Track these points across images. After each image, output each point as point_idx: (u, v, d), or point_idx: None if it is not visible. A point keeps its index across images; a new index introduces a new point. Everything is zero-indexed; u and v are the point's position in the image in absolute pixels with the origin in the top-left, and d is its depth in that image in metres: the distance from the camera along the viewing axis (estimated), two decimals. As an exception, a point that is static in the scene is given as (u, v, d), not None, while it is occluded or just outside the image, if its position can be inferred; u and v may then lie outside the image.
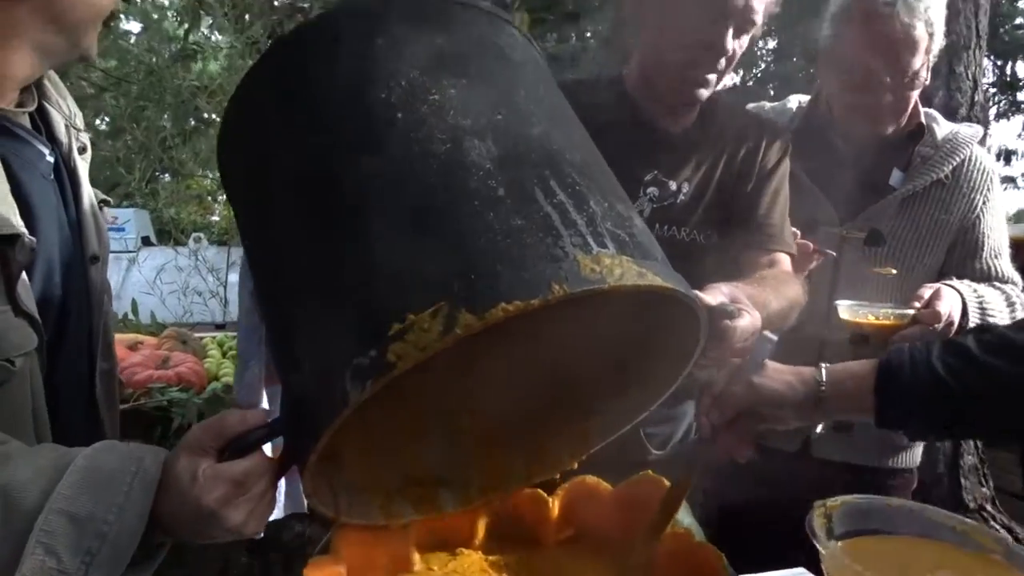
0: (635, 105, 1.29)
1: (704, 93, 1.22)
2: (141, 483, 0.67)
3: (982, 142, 1.55)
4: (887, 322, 1.32)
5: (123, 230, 6.43)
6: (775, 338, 1.01)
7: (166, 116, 6.89)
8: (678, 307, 0.72)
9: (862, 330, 1.35)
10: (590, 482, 0.92)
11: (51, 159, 0.98)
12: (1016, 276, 1.55)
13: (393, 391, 0.61)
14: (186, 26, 5.63)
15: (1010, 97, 6.38)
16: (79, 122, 1.07)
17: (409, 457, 0.84)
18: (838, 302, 1.37)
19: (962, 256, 1.51)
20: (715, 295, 0.92)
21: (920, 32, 1.35)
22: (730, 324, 0.89)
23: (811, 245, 1.39)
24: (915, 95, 1.44)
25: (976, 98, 3.18)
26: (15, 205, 0.86)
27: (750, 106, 1.63)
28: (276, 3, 5.10)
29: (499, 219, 0.61)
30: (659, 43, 1.21)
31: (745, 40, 1.19)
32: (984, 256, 1.51)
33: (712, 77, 1.20)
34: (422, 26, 0.72)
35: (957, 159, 1.48)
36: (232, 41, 5.40)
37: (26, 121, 0.96)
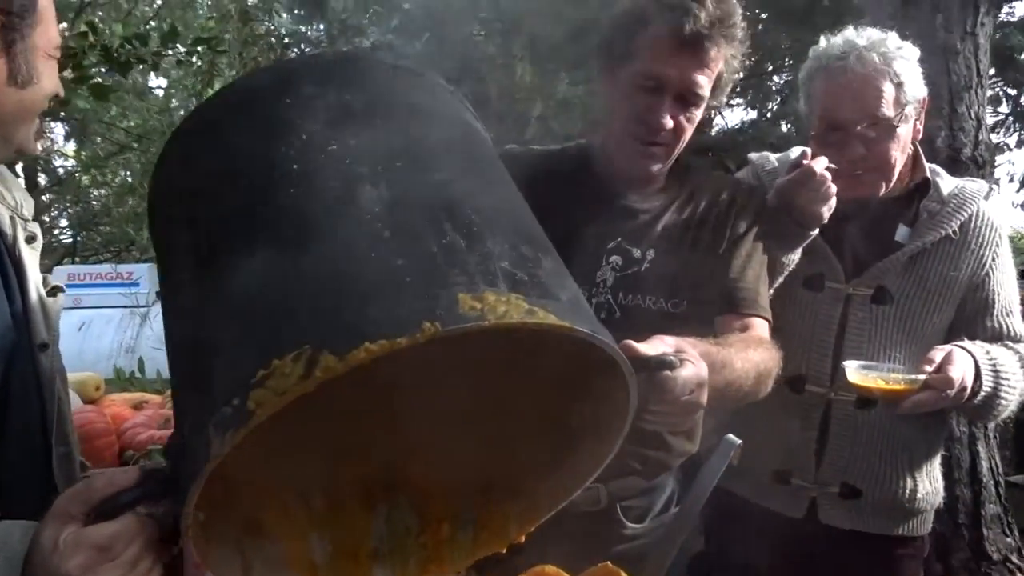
0: (598, 173, 1.29)
1: (655, 166, 1.22)
2: (6, 560, 0.64)
3: (988, 197, 1.50)
4: (897, 387, 1.25)
5: (137, 285, 6.50)
6: (738, 441, 0.95)
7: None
8: (610, 364, 0.70)
9: (871, 394, 1.29)
10: (550, 572, 0.87)
11: None
12: None
13: (322, 454, 0.61)
14: (198, 88, 5.75)
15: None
16: (27, 212, 1.08)
17: (341, 526, 0.80)
18: (846, 363, 1.31)
19: (972, 314, 1.44)
20: (656, 346, 0.88)
21: (880, 81, 1.34)
22: (670, 375, 0.85)
23: None
24: (896, 149, 1.39)
25: (980, 137, 3.13)
26: None
27: (754, 156, 1.59)
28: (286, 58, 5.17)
29: (379, 260, 0.61)
30: (612, 117, 1.24)
31: (696, 113, 1.20)
32: (995, 314, 1.44)
33: (658, 151, 1.20)
34: (331, 85, 0.75)
35: (965, 214, 1.42)
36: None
37: None
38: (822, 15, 5.37)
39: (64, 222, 11.79)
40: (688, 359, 0.90)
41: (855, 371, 1.28)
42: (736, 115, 7.48)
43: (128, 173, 10.59)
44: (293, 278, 0.61)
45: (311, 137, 0.70)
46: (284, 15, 5.29)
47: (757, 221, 1.28)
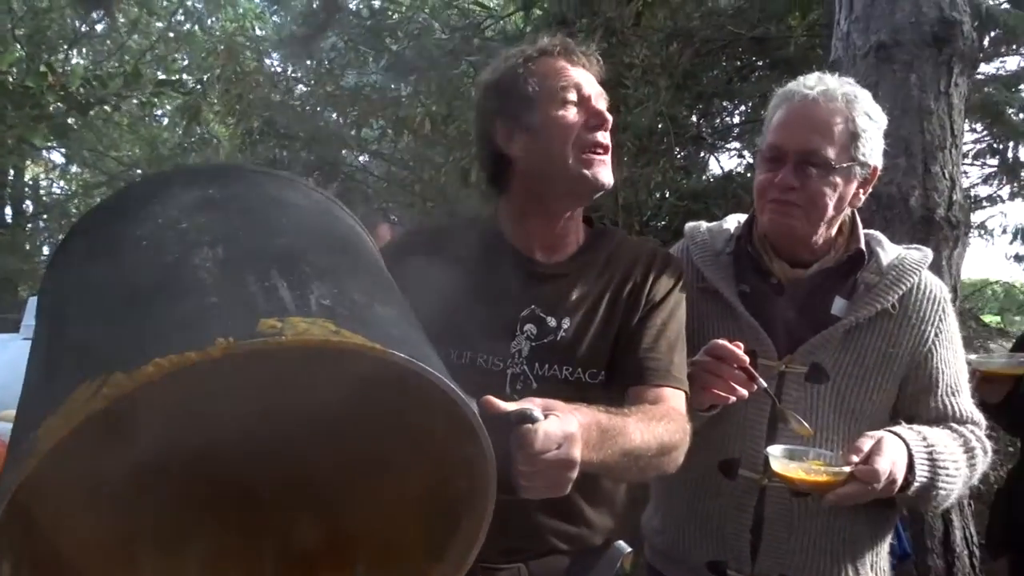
0: (508, 240, 1.28)
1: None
2: None
3: (935, 268, 1.46)
4: (819, 479, 1.20)
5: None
6: (627, 549, 0.92)
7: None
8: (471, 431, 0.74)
9: (794, 485, 1.23)
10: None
11: None
12: (978, 415, 1.42)
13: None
14: (184, 122, 5.79)
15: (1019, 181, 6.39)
16: None
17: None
18: (769, 449, 1.26)
19: (915, 393, 1.40)
20: (523, 405, 0.87)
21: (836, 120, 1.33)
22: (530, 428, 0.84)
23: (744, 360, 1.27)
24: (829, 196, 1.34)
25: (954, 197, 3.13)
26: None
27: (688, 226, 1.56)
28: (273, 99, 5.22)
29: (194, 301, 0.66)
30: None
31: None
32: (939, 394, 1.39)
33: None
34: (197, 185, 0.85)
35: (904, 287, 1.39)
36: (229, 135, 5.55)
37: None
38: (817, 64, 5.44)
39: (47, 250, 11.85)
40: (554, 414, 0.88)
41: (778, 459, 1.24)
42: (727, 162, 7.53)
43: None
44: (114, 327, 0.67)
45: (166, 220, 0.78)
46: (273, 55, 5.36)
47: (673, 289, 1.27)
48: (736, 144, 7.01)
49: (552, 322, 1.22)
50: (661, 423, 1.10)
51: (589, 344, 1.21)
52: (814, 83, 1.36)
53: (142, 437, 0.86)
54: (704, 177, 6.34)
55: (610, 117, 1.23)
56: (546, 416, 0.87)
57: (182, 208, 0.79)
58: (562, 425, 0.87)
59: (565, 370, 1.20)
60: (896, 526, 1.53)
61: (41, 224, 12.08)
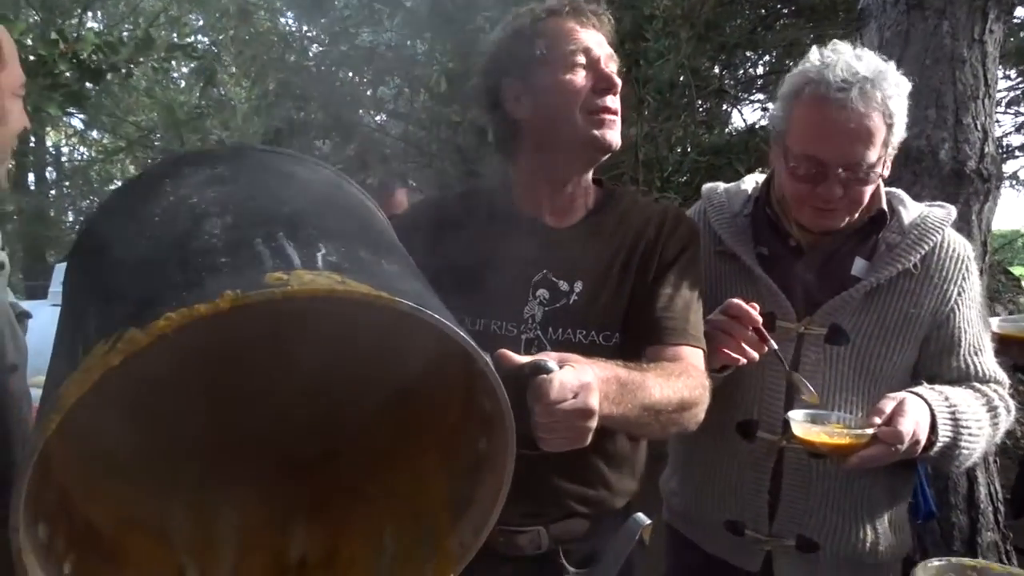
0: (518, 205, 1.29)
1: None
2: None
3: (964, 222, 1.43)
4: (843, 442, 1.21)
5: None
6: (647, 521, 0.93)
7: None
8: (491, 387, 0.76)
9: (816, 449, 1.24)
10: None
11: None
12: (1001, 374, 1.41)
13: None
14: (201, 84, 5.78)
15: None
16: None
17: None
18: (791, 414, 1.27)
19: (937, 352, 1.39)
20: (537, 357, 0.90)
21: (876, 123, 1.27)
22: (545, 377, 0.86)
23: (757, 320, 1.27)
24: (870, 189, 1.33)
25: (986, 150, 3.05)
26: None
27: (705, 187, 1.54)
28: (288, 60, 5.18)
29: (204, 262, 0.69)
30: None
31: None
32: (962, 353, 1.38)
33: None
34: (206, 164, 0.88)
35: (926, 246, 1.37)
36: (245, 96, 5.54)
37: None
38: (845, 11, 5.26)
39: (71, 216, 12.06)
40: (569, 364, 0.90)
41: (800, 423, 1.24)
42: (750, 115, 7.38)
43: (135, 168, 10.82)
44: (129, 291, 0.71)
45: (177, 197, 0.82)
46: (287, 14, 5.31)
47: (686, 248, 1.27)
48: (760, 96, 6.87)
49: (564, 286, 1.22)
50: (680, 379, 1.11)
51: (603, 306, 1.21)
52: (846, 79, 1.26)
53: (177, 406, 0.90)
54: (727, 131, 6.21)
55: (619, 81, 1.22)
56: (561, 367, 0.88)
57: (193, 186, 0.83)
58: (577, 375, 0.89)
59: (579, 333, 1.20)
60: (920, 484, 1.54)
61: (64, 190, 12.26)
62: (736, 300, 1.27)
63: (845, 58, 1.28)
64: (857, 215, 1.37)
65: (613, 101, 1.21)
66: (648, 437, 1.27)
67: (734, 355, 1.27)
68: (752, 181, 1.52)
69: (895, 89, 1.28)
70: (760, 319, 1.25)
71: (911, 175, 2.79)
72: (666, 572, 1.57)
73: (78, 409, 0.64)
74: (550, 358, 0.90)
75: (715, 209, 1.48)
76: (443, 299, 0.82)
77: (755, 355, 1.27)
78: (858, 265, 1.39)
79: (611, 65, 1.23)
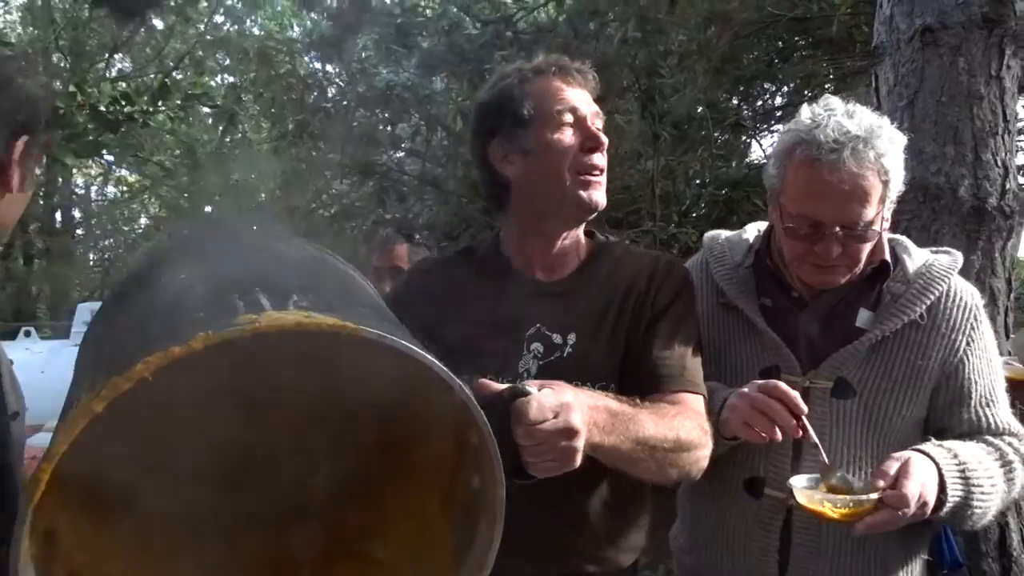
0: (509, 261, 1.32)
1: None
2: None
3: (988, 259, 1.41)
4: (846, 510, 1.18)
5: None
6: None
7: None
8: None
9: (822, 517, 1.21)
10: None
11: None
12: (1017, 426, 1.38)
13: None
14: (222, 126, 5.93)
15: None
16: None
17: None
18: (792, 480, 1.24)
19: (947, 405, 1.37)
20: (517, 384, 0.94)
21: (871, 181, 1.26)
22: (524, 400, 0.88)
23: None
24: (869, 247, 1.33)
25: (1008, 186, 3.02)
26: None
27: (706, 236, 1.55)
28: (306, 101, 5.31)
29: (185, 318, 0.74)
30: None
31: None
32: (973, 405, 1.36)
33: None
34: (196, 242, 1.03)
35: (932, 295, 1.36)
36: (265, 138, 5.67)
37: None
38: (862, 43, 5.27)
39: (95, 256, 12.37)
40: (548, 386, 0.93)
41: (802, 491, 1.22)
42: (769, 147, 7.35)
43: (159, 208, 11.09)
44: (118, 351, 0.76)
45: (167, 277, 0.90)
46: (306, 57, 5.45)
47: (679, 295, 1.28)
48: (779, 127, 6.86)
49: (558, 339, 1.23)
50: (676, 418, 1.11)
51: (597, 357, 1.23)
52: (837, 139, 1.25)
53: (186, 469, 0.94)
54: (745, 164, 6.21)
55: (605, 139, 1.25)
56: (540, 390, 0.90)
57: (181, 263, 0.91)
58: (557, 395, 0.91)
59: (575, 385, 1.20)
60: (944, 534, 1.49)
61: (92, 230, 12.56)
62: (782, 384, 1.23)
63: (836, 117, 1.28)
64: (859, 269, 1.36)
65: (600, 159, 1.24)
66: (647, 477, 1.21)
67: (761, 434, 1.23)
68: (754, 230, 1.52)
69: (889, 145, 1.28)
70: (805, 408, 1.22)
71: (930, 212, 2.77)
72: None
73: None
74: (531, 384, 0.92)
75: (716, 259, 1.48)
76: (437, 356, 0.83)
77: (779, 437, 1.23)
78: (862, 316, 1.37)
79: (597, 122, 1.26)
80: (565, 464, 0.92)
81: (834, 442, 1.33)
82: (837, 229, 1.27)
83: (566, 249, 1.30)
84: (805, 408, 1.22)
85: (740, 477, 1.39)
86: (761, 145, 7.37)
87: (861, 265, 1.35)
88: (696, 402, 1.20)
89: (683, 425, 1.11)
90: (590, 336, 1.24)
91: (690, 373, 1.22)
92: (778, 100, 6.93)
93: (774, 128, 6.99)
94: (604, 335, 1.24)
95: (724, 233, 1.55)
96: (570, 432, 0.90)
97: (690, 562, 1.53)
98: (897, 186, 1.31)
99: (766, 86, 6.84)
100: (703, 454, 1.16)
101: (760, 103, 7.08)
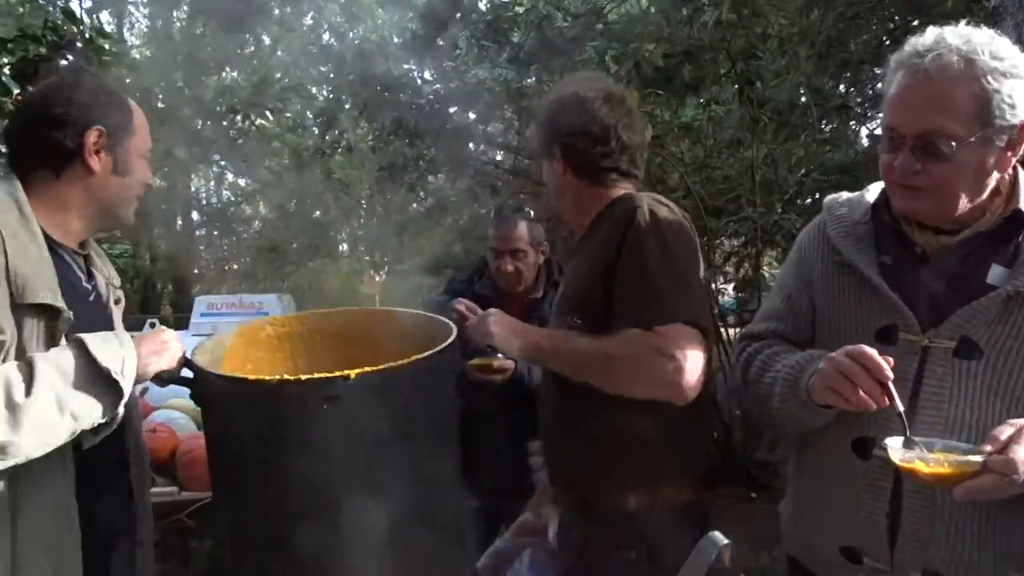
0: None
1: None
2: None
3: None
4: (942, 470, 1.08)
5: (265, 314, 6.99)
6: (724, 540, 0.86)
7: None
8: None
9: (918, 478, 1.11)
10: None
11: (91, 297, 1.43)
12: None
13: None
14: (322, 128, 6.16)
15: None
16: (116, 282, 1.53)
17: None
18: (888, 441, 1.14)
19: None
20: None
21: (958, 92, 1.16)
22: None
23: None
24: (960, 177, 1.20)
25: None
26: (59, 293, 1.26)
27: (827, 199, 1.46)
28: (401, 99, 5.43)
29: None
30: None
31: None
32: None
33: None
34: None
35: None
36: (360, 139, 5.86)
37: (81, 263, 1.44)
38: (983, 16, 4.89)
39: (211, 254, 13.21)
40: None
41: (896, 450, 1.13)
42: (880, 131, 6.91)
43: (265, 210, 11.74)
44: None
45: None
46: (400, 56, 5.59)
47: (639, 240, 1.43)
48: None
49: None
50: (611, 341, 1.41)
51: (573, 296, 1.58)
52: (929, 46, 1.19)
53: None
54: (853, 149, 5.87)
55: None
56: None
57: None
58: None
59: (567, 319, 1.56)
60: None
61: (212, 229, 13.44)
62: (868, 350, 1.17)
63: (943, 30, 1.21)
64: (958, 211, 1.23)
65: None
66: (604, 386, 1.43)
67: (848, 401, 1.17)
68: (877, 188, 1.42)
69: (992, 62, 1.16)
70: (891, 375, 1.15)
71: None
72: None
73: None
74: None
75: (834, 220, 1.40)
76: None
77: (873, 406, 1.17)
78: (995, 273, 1.24)
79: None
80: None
81: (954, 406, 1.21)
82: (913, 141, 1.19)
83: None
84: (890, 375, 1.15)
85: (848, 438, 1.29)
86: (870, 131, 6.96)
87: (958, 205, 1.22)
88: (671, 332, 1.38)
89: (615, 345, 1.40)
90: (573, 278, 1.65)
91: (654, 311, 1.40)
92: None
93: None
94: (579, 276, 1.58)
95: (845, 194, 1.46)
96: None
97: (796, 530, 1.44)
98: (1010, 109, 1.17)
99: (876, 71, 6.46)
100: (652, 367, 1.36)
101: (870, 89, 6.69)
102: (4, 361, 1.16)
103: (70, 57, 2.26)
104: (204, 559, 2.14)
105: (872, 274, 1.31)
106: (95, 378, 1.16)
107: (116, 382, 1.17)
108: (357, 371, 1.06)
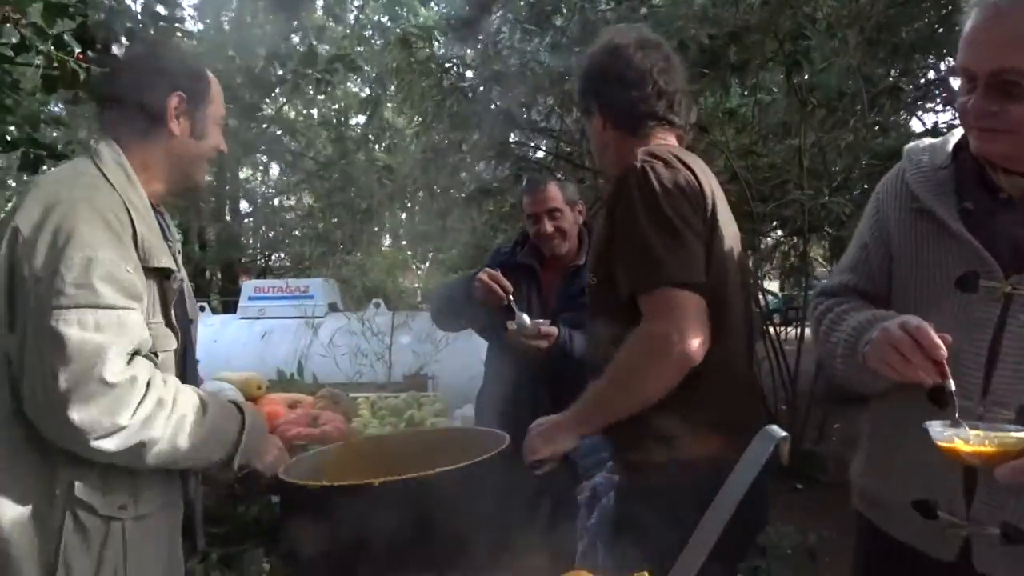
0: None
1: None
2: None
3: None
4: (983, 448, 1.02)
5: (311, 298, 7.08)
6: (782, 433, 0.84)
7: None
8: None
9: (960, 458, 1.05)
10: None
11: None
12: None
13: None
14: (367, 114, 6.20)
15: None
16: (179, 243, 1.61)
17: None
18: (928, 424, 1.08)
19: None
20: None
21: None
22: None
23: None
24: None
25: None
26: (171, 256, 1.41)
27: (907, 146, 1.40)
28: (444, 84, 5.43)
29: None
30: None
31: None
32: None
33: None
34: None
35: None
36: (405, 125, 5.88)
37: (164, 223, 1.51)
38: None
39: (258, 242, 13.49)
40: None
41: (936, 429, 1.07)
42: (931, 119, 6.71)
43: (311, 198, 11.92)
44: None
45: None
46: (442, 41, 5.58)
47: (617, 203, 1.46)
48: (942, 104, 6.24)
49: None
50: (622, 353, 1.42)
51: (593, 256, 1.64)
52: None
53: None
54: (904, 135, 5.69)
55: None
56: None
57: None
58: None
59: (591, 276, 1.60)
60: None
61: (261, 218, 13.73)
62: (923, 324, 1.11)
63: None
64: None
65: None
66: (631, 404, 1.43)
67: (901, 373, 1.12)
68: (960, 132, 1.35)
69: None
70: (946, 354, 1.09)
71: None
72: (854, 563, 1.41)
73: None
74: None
75: (914, 166, 1.34)
76: None
77: (928, 381, 1.11)
78: (1084, 215, 1.17)
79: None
80: None
81: None
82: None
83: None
84: (944, 353, 1.08)
85: (922, 387, 1.23)
86: (921, 120, 6.75)
87: None
88: (663, 299, 1.39)
89: (610, 368, 1.43)
90: (595, 241, 1.75)
91: (650, 270, 1.40)
92: (943, 71, 6.29)
93: (937, 105, 6.37)
94: (595, 239, 1.67)
95: (928, 139, 1.40)
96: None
97: (867, 484, 1.38)
98: None
99: (929, 58, 6.26)
100: (653, 367, 1.38)
101: (921, 77, 6.49)
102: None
103: (127, 24, 2.30)
104: (252, 525, 2.16)
105: (951, 220, 1.24)
106: (230, 445, 1.37)
107: (233, 457, 1.38)
108: (381, 479, 1.26)
